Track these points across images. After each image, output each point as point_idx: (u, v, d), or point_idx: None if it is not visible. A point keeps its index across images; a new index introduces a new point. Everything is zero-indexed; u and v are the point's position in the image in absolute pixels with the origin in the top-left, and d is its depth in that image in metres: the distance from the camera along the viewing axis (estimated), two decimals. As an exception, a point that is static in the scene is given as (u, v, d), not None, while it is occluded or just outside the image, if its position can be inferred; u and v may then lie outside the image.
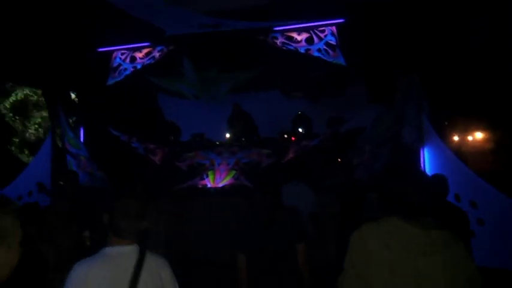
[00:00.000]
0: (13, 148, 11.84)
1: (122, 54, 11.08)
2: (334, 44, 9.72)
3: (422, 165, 6.28)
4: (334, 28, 9.85)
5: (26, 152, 12.03)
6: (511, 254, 5.24)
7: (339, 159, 8.24)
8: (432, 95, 7.62)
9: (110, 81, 10.84)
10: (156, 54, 10.88)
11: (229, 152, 9.22)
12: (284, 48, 10.08)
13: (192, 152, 9.36)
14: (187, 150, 9.43)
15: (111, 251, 2.08)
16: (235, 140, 9.91)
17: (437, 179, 4.15)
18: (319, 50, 9.80)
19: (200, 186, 8.73)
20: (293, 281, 2.95)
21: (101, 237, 2.23)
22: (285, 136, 9.88)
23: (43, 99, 12.30)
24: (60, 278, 2.13)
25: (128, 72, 10.85)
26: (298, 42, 10.03)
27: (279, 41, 10.15)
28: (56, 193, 4.19)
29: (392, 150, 6.64)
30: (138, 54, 11.06)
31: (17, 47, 9.73)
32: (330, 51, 9.73)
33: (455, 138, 9.52)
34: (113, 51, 11.06)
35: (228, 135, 10.24)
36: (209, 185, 8.69)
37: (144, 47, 10.96)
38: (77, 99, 11.85)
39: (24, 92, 12.20)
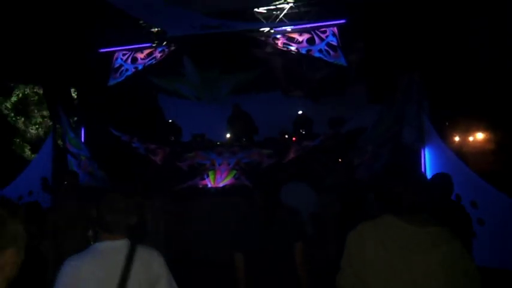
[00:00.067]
0: (14, 147, 11.85)
1: (123, 54, 11.11)
2: (335, 44, 9.73)
3: (423, 165, 6.28)
4: (335, 29, 9.86)
5: (28, 151, 12.04)
6: (511, 254, 5.24)
7: (340, 160, 8.23)
8: (433, 95, 7.62)
9: (111, 82, 10.87)
10: (158, 55, 10.91)
11: (230, 152, 9.23)
12: (285, 49, 10.09)
13: (192, 152, 9.36)
14: (188, 151, 9.43)
15: (101, 246, 2.07)
16: (235, 140, 9.91)
17: (441, 178, 4.14)
18: (320, 51, 9.81)
19: (201, 186, 8.74)
20: (292, 281, 2.95)
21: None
22: (286, 136, 9.88)
23: (44, 99, 12.34)
24: None
25: (129, 73, 10.88)
26: (300, 42, 10.04)
27: (280, 41, 10.17)
28: (62, 192, 4.18)
29: (393, 150, 6.64)
30: (140, 55, 11.08)
31: (19, 48, 9.77)
32: (331, 51, 9.74)
33: (456, 138, 9.51)
34: (114, 51, 11.09)
35: (228, 136, 10.24)
36: (210, 185, 8.69)
37: (145, 48, 10.99)
38: (78, 99, 11.87)
39: (26, 92, 12.21)
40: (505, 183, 5.86)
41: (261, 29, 10.23)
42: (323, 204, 5.78)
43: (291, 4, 10.00)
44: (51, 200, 6.73)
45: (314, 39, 9.88)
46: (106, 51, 10.90)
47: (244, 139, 9.86)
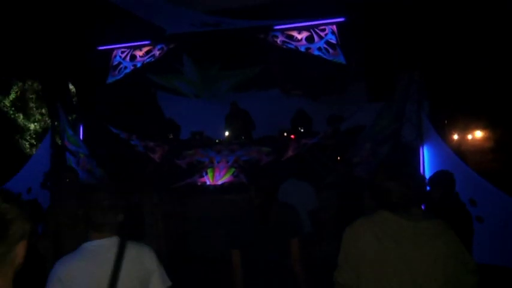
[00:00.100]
0: (15, 144, 11.85)
1: (122, 52, 11.09)
2: (335, 42, 9.72)
3: (421, 163, 6.28)
4: (334, 27, 9.85)
5: (28, 148, 12.04)
6: (509, 252, 5.25)
7: (339, 158, 8.23)
8: (432, 94, 7.63)
9: (110, 79, 10.85)
10: (156, 52, 10.89)
11: (228, 149, 9.22)
12: (284, 46, 10.08)
13: (191, 149, 9.36)
14: (187, 148, 9.43)
15: (90, 245, 2.07)
16: (234, 137, 9.91)
17: (442, 175, 4.14)
18: (319, 49, 9.79)
19: (199, 183, 8.73)
20: (289, 278, 2.95)
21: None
22: (285, 134, 9.87)
23: (43, 96, 12.32)
24: None
25: (127, 71, 10.86)
26: (299, 40, 10.03)
27: (280, 39, 10.15)
28: (62, 190, 4.15)
29: (392, 148, 6.63)
30: (138, 53, 11.06)
31: (17, 45, 9.75)
32: (330, 49, 9.73)
33: (455, 136, 9.53)
34: (113, 49, 11.08)
35: (227, 133, 10.24)
36: (208, 183, 8.69)
37: (144, 46, 10.97)
38: (76, 97, 11.85)
39: (25, 87, 12.19)
40: (503, 181, 5.87)
41: (260, 27, 10.21)
42: (322, 202, 5.78)
43: None
44: (50, 197, 6.74)
45: (313, 37, 9.86)
46: (105, 49, 10.88)
47: (242, 137, 9.86)
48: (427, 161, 6.29)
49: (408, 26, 8.41)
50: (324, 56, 9.71)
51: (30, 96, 12.43)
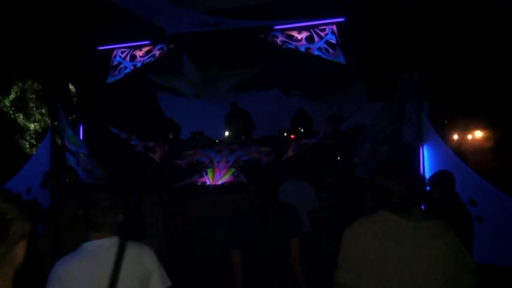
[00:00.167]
0: (15, 143, 11.85)
1: (122, 52, 11.09)
2: (335, 42, 9.72)
3: (421, 163, 6.28)
4: (334, 27, 9.85)
5: (28, 148, 12.05)
6: (509, 252, 5.25)
7: (339, 158, 8.23)
8: (432, 94, 7.63)
9: (110, 80, 10.85)
10: (156, 52, 10.89)
11: (228, 149, 9.22)
12: (284, 46, 10.08)
13: (191, 149, 9.36)
14: (187, 148, 9.42)
15: (90, 245, 2.07)
16: (234, 137, 9.91)
17: (443, 175, 4.14)
18: (319, 49, 9.79)
19: (199, 183, 8.73)
20: (289, 278, 2.95)
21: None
22: (285, 134, 9.87)
23: (43, 96, 12.33)
24: None
25: (127, 71, 10.86)
26: (299, 40, 10.02)
27: (280, 39, 10.15)
28: (63, 190, 4.14)
29: (392, 148, 6.63)
30: (138, 53, 11.06)
31: (17, 45, 9.75)
32: (330, 49, 9.73)
33: (455, 136, 9.53)
34: (113, 49, 11.07)
35: (227, 133, 10.24)
36: (208, 183, 8.69)
37: (144, 46, 10.97)
38: (76, 97, 11.85)
39: (26, 87, 12.20)
40: (503, 181, 5.87)
41: (260, 27, 10.21)
42: (322, 202, 5.78)
43: None
44: (50, 197, 6.74)
45: (313, 37, 9.86)
46: (105, 49, 10.88)
47: (242, 137, 9.86)
48: (427, 161, 6.29)
49: (408, 26, 8.41)
50: (324, 56, 9.71)
51: (30, 96, 12.43)
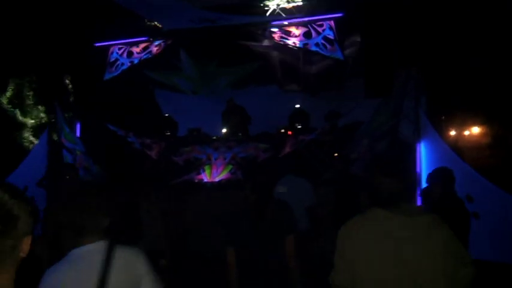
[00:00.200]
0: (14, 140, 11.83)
1: (119, 49, 11.03)
2: (332, 38, 9.68)
3: (418, 159, 6.28)
4: (332, 22, 9.81)
5: (27, 144, 12.02)
6: (506, 248, 5.26)
7: (336, 154, 8.24)
8: (430, 90, 7.62)
9: (107, 76, 10.80)
10: (154, 49, 10.83)
11: (226, 146, 9.21)
12: (282, 42, 10.05)
13: (188, 146, 9.34)
14: (184, 145, 9.41)
15: (77, 251, 2.04)
16: (231, 134, 9.90)
17: (441, 172, 4.14)
18: (317, 45, 9.76)
19: (197, 180, 8.73)
20: (284, 275, 2.95)
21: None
22: (282, 130, 9.87)
23: (40, 93, 12.29)
24: None
25: (124, 67, 10.80)
26: (296, 36, 9.99)
27: (277, 35, 10.12)
28: (63, 188, 4.08)
29: (390, 144, 6.63)
30: (135, 49, 11.00)
31: (13, 42, 9.71)
32: (327, 45, 9.69)
33: (452, 132, 9.53)
34: (110, 46, 11.01)
35: (224, 130, 10.23)
36: (206, 180, 8.68)
37: (141, 42, 10.91)
38: (73, 94, 11.80)
39: (23, 85, 12.15)
40: (500, 177, 5.88)
41: (258, 23, 10.18)
42: (319, 198, 5.78)
43: None
44: (47, 196, 6.68)
45: (311, 33, 9.83)
46: (102, 46, 10.83)
47: (240, 133, 9.85)
48: (424, 157, 6.29)
49: (406, 22, 8.40)
50: (322, 52, 9.68)
51: (27, 94, 12.39)
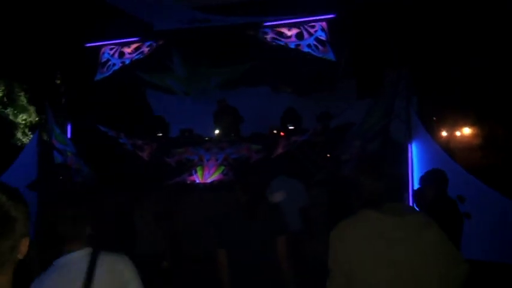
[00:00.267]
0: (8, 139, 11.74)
1: (111, 49, 10.96)
2: (324, 39, 9.70)
3: (410, 160, 6.30)
4: (324, 24, 9.83)
5: (20, 142, 11.95)
6: (497, 248, 5.30)
7: (329, 155, 8.25)
8: (421, 91, 7.66)
9: (98, 77, 10.73)
10: (145, 49, 10.78)
11: (218, 147, 9.18)
12: (274, 43, 10.05)
13: (181, 147, 9.30)
14: (176, 146, 9.37)
15: (62, 260, 2.03)
16: (224, 135, 9.87)
17: (434, 174, 4.15)
18: (309, 46, 9.77)
19: (189, 182, 8.69)
20: (276, 275, 2.94)
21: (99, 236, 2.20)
22: (275, 131, 9.86)
23: (31, 94, 12.20)
24: None
25: (116, 68, 10.74)
26: (288, 37, 9.99)
27: (269, 36, 10.11)
28: (58, 188, 4.01)
29: (382, 144, 6.65)
30: (127, 50, 10.94)
31: (5, 42, 9.62)
32: (320, 46, 9.71)
33: (444, 133, 9.59)
34: (101, 46, 10.94)
35: (217, 131, 10.20)
36: (198, 181, 8.65)
37: (132, 42, 10.86)
38: (64, 94, 11.72)
39: (13, 87, 12.06)
40: (491, 177, 5.92)
41: (250, 24, 10.17)
42: (312, 199, 5.78)
43: None
44: (39, 198, 6.60)
45: (303, 34, 9.84)
46: (93, 46, 10.76)
47: (232, 134, 9.83)
48: (416, 158, 6.32)
49: (397, 23, 8.43)
50: (314, 53, 9.69)
51: (19, 94, 12.30)
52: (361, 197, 2.12)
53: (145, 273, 2.27)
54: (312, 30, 9.86)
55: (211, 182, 8.54)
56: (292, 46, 9.85)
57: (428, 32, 8.49)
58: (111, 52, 10.91)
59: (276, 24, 10.06)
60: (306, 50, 9.74)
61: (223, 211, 3.31)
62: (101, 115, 9.59)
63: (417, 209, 4.24)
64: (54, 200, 3.93)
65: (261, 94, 11.40)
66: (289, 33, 10.00)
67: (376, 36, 8.75)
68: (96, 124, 9.07)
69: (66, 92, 11.04)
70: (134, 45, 10.85)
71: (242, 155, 8.92)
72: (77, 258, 2.01)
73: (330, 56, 9.54)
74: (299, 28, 9.91)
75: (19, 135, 12.13)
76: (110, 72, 10.68)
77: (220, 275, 2.97)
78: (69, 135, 8.71)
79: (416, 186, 5.51)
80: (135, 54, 10.77)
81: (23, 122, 12.26)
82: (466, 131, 9.59)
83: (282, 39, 9.98)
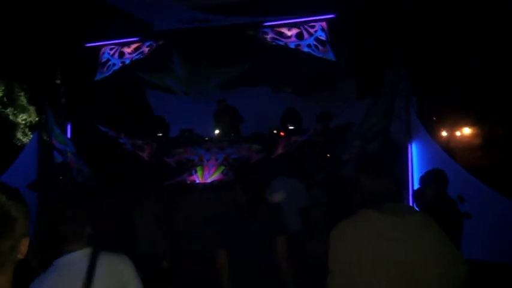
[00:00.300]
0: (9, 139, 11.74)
1: (111, 49, 10.97)
2: (324, 39, 9.71)
3: (410, 160, 6.30)
4: (324, 24, 9.83)
5: (21, 141, 11.94)
6: (498, 248, 5.30)
7: (329, 155, 8.25)
8: (421, 91, 7.66)
9: (98, 77, 10.74)
10: (145, 49, 10.79)
11: (218, 147, 9.18)
12: (274, 43, 10.05)
13: (181, 147, 9.30)
14: (176, 146, 9.37)
15: (62, 260, 2.03)
16: (224, 135, 9.87)
17: (434, 174, 4.15)
18: (309, 46, 9.78)
19: (189, 182, 8.69)
20: (275, 275, 2.94)
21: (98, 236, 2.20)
22: (275, 131, 9.86)
23: (31, 94, 12.21)
24: None
25: (116, 68, 10.75)
26: (288, 37, 10.00)
27: (269, 36, 10.11)
28: (59, 187, 4.00)
29: (382, 145, 6.64)
30: (127, 50, 10.95)
31: (5, 42, 9.62)
32: (320, 46, 9.71)
33: (444, 133, 9.59)
34: (102, 46, 10.95)
35: (217, 131, 10.20)
36: (198, 181, 8.65)
37: (132, 42, 10.86)
38: (64, 94, 11.72)
39: (13, 87, 12.06)
40: (491, 177, 5.92)
41: (250, 24, 10.17)
42: (312, 199, 5.78)
43: None
44: (39, 198, 6.60)
45: (303, 34, 9.84)
46: (93, 46, 10.76)
47: (232, 134, 9.83)
48: (416, 158, 6.32)
49: (397, 23, 8.43)
50: (314, 53, 9.70)
51: (19, 94, 12.30)
52: (361, 197, 2.12)
53: (145, 273, 2.27)
54: (312, 30, 9.87)
55: (211, 182, 8.54)
56: (292, 46, 9.85)
57: (428, 32, 8.49)
58: (111, 52, 10.92)
59: (276, 24, 10.06)
60: (306, 50, 9.75)
61: (223, 211, 3.31)
62: (101, 115, 9.59)
63: (417, 209, 4.24)
64: (55, 200, 3.93)
65: (261, 94, 11.39)
66: (289, 33, 10.00)
67: (376, 36, 8.76)
68: (96, 124, 9.07)
69: (66, 92, 11.03)
70: (134, 45, 10.86)
71: (242, 155, 8.93)
72: (77, 258, 2.01)
73: (330, 56, 9.55)
74: (299, 28, 9.92)
75: (19, 135, 12.14)
76: (110, 72, 10.69)
77: (220, 275, 2.97)
78: (69, 135, 8.70)
79: (416, 186, 5.51)
80: (135, 54, 10.78)
81: (23, 122, 12.26)
82: (466, 131, 9.59)
83: (282, 39, 9.98)
